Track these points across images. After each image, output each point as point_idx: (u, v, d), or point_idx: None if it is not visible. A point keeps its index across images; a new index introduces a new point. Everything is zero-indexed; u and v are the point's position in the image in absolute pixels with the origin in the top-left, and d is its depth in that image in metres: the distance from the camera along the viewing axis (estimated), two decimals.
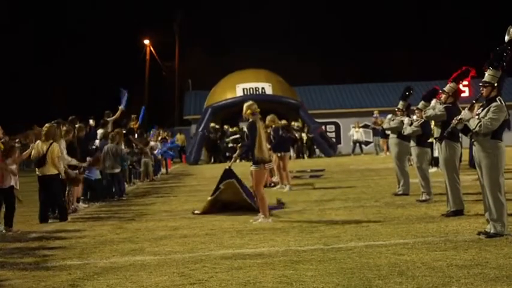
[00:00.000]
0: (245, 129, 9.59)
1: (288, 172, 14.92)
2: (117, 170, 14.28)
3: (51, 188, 10.75)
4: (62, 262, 7.16)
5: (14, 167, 9.93)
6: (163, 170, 24.06)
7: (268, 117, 15.16)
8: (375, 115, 30.64)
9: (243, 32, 51.97)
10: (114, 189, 14.27)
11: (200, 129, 30.22)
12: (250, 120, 9.36)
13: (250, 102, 9.55)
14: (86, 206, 12.84)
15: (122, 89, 17.19)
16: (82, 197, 12.92)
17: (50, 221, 10.71)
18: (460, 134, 8.52)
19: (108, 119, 15.54)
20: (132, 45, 48.01)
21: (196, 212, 10.72)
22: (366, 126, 32.43)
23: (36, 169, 10.85)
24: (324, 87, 39.13)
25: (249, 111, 9.36)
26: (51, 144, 10.70)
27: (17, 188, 10.02)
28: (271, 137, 14.77)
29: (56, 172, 10.78)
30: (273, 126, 14.94)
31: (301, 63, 48.51)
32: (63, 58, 48.99)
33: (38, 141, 10.89)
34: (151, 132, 23.74)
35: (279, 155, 14.70)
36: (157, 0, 57.57)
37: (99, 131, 14.58)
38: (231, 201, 10.44)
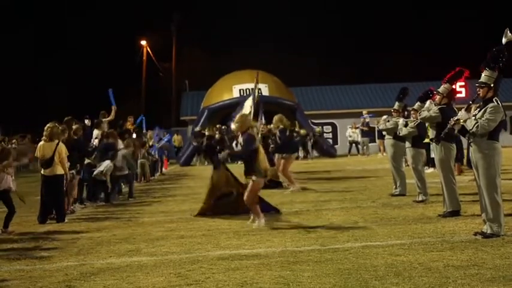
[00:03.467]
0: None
1: (288, 174, 14.66)
2: (126, 172, 14.41)
3: (56, 188, 10.78)
4: (58, 263, 7.15)
5: (10, 169, 9.95)
6: (163, 170, 24.06)
7: (276, 117, 15.03)
8: (363, 116, 30.60)
9: (240, 32, 52.02)
10: (128, 190, 14.64)
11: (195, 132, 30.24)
12: (249, 132, 9.19)
13: (248, 115, 9.54)
14: (83, 206, 12.84)
15: (109, 90, 17.32)
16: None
17: (47, 221, 10.70)
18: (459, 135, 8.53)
19: (104, 119, 15.50)
20: (130, 46, 48.04)
21: (192, 214, 10.68)
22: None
23: (42, 169, 10.85)
24: (321, 88, 39.15)
25: (249, 124, 9.24)
26: (57, 144, 10.74)
27: (14, 190, 9.99)
28: (277, 137, 14.68)
29: (63, 172, 10.83)
30: (280, 126, 14.80)
31: (298, 64, 48.57)
32: (60, 59, 48.98)
33: (42, 142, 10.91)
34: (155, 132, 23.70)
35: (283, 155, 14.56)
36: (154, 1, 57.61)
37: (95, 132, 14.54)
38: (226, 192, 10.28)
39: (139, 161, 19.24)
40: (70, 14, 53.44)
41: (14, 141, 26.52)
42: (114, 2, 54.49)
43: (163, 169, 25.17)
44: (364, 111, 31.31)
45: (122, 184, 15.38)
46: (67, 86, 47.70)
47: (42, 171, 10.88)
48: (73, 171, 11.66)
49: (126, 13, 53.18)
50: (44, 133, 10.90)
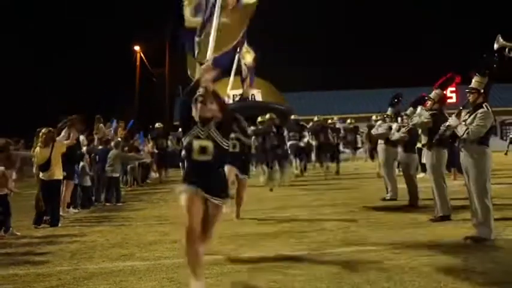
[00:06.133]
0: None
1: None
2: (116, 175, 14.47)
3: (53, 193, 10.90)
4: (52, 267, 7.15)
5: (13, 175, 10.04)
6: (153, 175, 23.93)
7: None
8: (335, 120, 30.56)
9: None
10: (114, 194, 14.51)
11: None
12: None
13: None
14: (76, 211, 12.84)
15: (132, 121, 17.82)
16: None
17: (40, 225, 10.72)
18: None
19: (97, 130, 15.44)
20: (124, 51, 48.06)
21: None
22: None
23: (41, 173, 10.90)
24: (313, 93, 39.28)
25: None
26: (53, 146, 10.88)
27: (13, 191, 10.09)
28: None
29: (60, 177, 11.01)
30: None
31: (293, 70, 48.69)
32: (59, 62, 48.95)
33: (37, 148, 10.97)
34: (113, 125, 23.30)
35: None
36: (148, 6, 57.65)
37: (81, 137, 14.42)
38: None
39: (129, 166, 19.24)
40: (70, 14, 53.50)
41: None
42: (108, 8, 54.50)
43: (155, 174, 25.04)
44: (335, 117, 31.27)
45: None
46: (66, 87, 47.66)
47: (40, 176, 10.94)
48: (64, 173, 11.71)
49: (121, 19, 53.20)
50: (39, 139, 10.97)
